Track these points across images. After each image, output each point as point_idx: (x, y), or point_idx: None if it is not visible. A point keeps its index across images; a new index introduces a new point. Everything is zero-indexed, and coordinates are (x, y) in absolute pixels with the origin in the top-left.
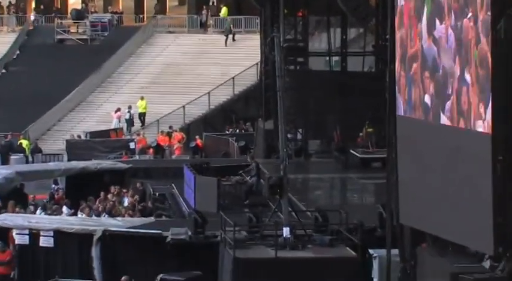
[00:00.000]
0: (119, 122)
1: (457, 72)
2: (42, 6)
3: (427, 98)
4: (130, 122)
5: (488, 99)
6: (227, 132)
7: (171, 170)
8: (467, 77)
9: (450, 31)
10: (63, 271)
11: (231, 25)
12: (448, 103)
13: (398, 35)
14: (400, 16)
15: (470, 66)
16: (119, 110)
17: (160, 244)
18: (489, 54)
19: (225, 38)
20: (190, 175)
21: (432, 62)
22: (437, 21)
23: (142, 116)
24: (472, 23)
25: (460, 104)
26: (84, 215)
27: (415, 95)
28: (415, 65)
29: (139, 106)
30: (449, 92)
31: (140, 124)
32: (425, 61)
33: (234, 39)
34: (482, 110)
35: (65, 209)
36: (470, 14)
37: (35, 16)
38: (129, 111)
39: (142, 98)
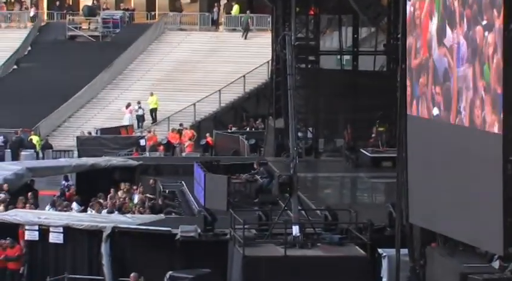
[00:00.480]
0: (131, 117)
1: (470, 82)
2: (57, 3)
3: (435, 111)
4: (141, 118)
5: (501, 99)
6: (229, 130)
7: (181, 168)
8: (480, 85)
9: (462, 40)
10: (72, 267)
11: (249, 20)
12: (460, 115)
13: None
14: (409, 23)
15: (483, 75)
16: (129, 105)
17: (170, 241)
18: (501, 51)
19: (241, 32)
20: (200, 172)
21: (443, 72)
22: (448, 29)
23: (153, 112)
24: (487, 31)
25: (473, 117)
26: (93, 212)
27: (422, 107)
28: (423, 75)
29: (150, 102)
30: (462, 104)
31: (151, 121)
32: (436, 71)
33: (246, 38)
34: (494, 112)
35: (75, 205)
36: (485, 22)
37: (34, 12)
38: (140, 107)
39: (152, 94)
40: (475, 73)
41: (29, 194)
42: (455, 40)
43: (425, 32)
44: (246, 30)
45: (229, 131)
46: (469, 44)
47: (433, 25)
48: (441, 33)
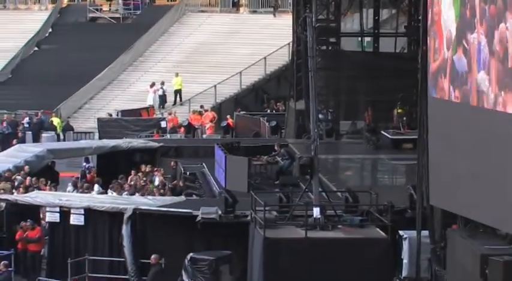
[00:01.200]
0: (155, 96)
1: (491, 85)
2: None
3: None
4: (162, 98)
5: None
6: (236, 113)
7: (202, 149)
8: (505, 90)
9: (484, 39)
10: (93, 249)
11: None
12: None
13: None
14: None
15: (508, 81)
16: (154, 84)
17: (191, 223)
18: None
19: (261, 14)
20: (221, 154)
21: (462, 74)
22: (467, 27)
23: (178, 92)
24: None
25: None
26: (114, 194)
27: None
28: (441, 78)
29: (175, 83)
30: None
31: (173, 102)
32: (454, 74)
33: (274, 15)
34: None
35: (96, 187)
36: (510, 21)
37: None
38: (162, 88)
39: (177, 75)
40: (497, 76)
41: (33, 178)
42: (475, 40)
43: (443, 31)
44: (276, 7)
45: (236, 113)
46: (491, 44)
47: (452, 22)
48: (460, 32)
